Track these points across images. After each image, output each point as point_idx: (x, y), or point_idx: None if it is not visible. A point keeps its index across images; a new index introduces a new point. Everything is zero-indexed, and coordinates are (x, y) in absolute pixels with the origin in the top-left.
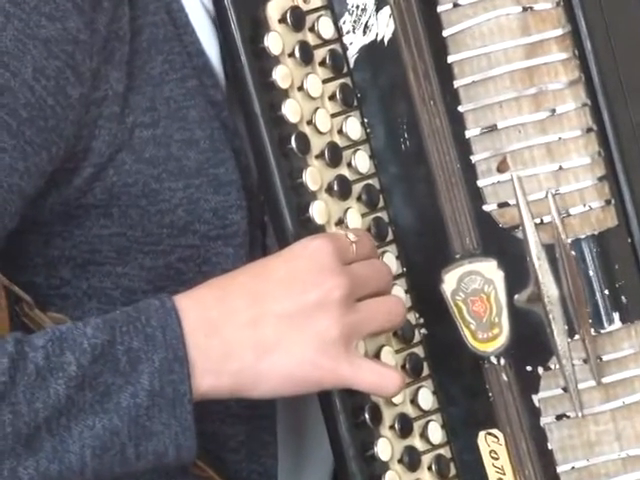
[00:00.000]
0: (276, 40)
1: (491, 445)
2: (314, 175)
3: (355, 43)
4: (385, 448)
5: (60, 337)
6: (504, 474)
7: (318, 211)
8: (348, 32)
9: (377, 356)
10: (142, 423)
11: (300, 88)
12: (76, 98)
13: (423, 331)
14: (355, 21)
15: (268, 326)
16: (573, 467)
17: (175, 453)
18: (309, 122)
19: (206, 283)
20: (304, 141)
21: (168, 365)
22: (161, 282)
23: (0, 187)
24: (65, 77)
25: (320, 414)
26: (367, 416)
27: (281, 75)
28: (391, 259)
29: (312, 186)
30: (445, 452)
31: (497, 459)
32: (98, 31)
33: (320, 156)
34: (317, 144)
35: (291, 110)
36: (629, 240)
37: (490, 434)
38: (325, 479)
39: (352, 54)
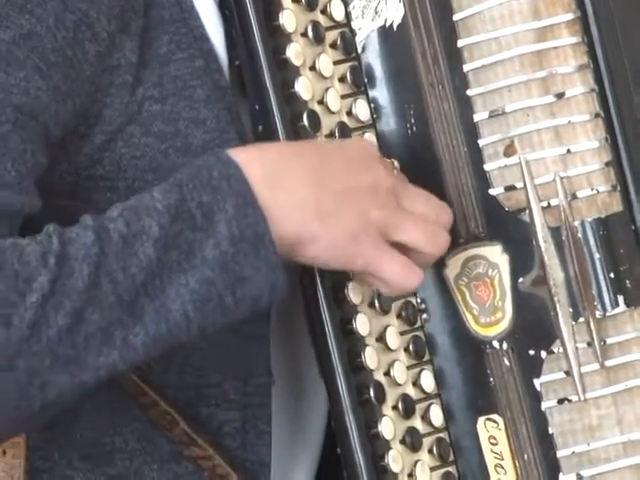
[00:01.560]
0: (290, 18)
1: (490, 431)
2: None
3: (364, 28)
4: (388, 427)
5: (132, 206)
6: (502, 459)
7: None
8: (357, 17)
9: (382, 336)
10: (232, 269)
11: (312, 67)
12: (93, 55)
13: (425, 316)
14: (364, 6)
15: (327, 191)
16: (573, 452)
17: (269, 293)
18: (320, 101)
19: (261, 145)
20: (315, 119)
21: (241, 210)
22: None
23: (36, 121)
24: (82, 31)
25: (312, 396)
26: (372, 394)
27: (295, 53)
28: None
29: None
30: (446, 436)
31: (496, 444)
32: None
33: (330, 135)
34: (327, 123)
35: (304, 87)
36: (632, 227)
37: (490, 420)
38: (313, 465)
39: (360, 39)
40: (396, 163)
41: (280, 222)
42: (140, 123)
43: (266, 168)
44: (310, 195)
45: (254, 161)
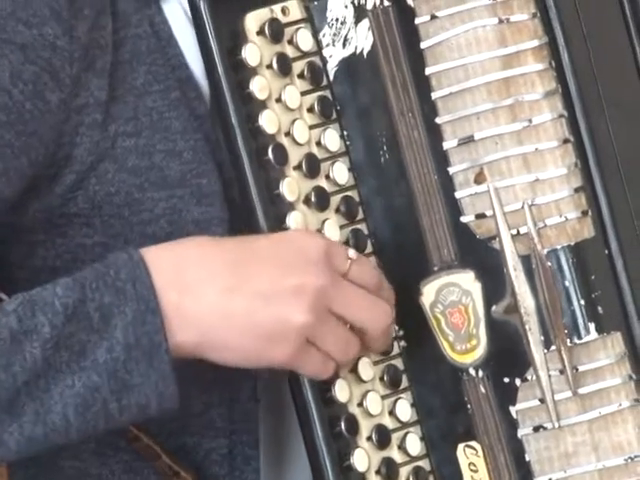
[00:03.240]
0: (253, 51)
1: (470, 457)
2: (291, 186)
3: (335, 56)
4: (362, 459)
5: (31, 300)
6: None
7: (295, 222)
8: (328, 45)
9: (355, 368)
10: (121, 377)
11: (278, 100)
12: (55, 103)
13: (402, 343)
14: (335, 34)
15: (241, 298)
16: (550, 479)
17: (157, 403)
18: (287, 133)
19: (189, 241)
20: (281, 152)
21: (141, 316)
22: None
23: None
24: (43, 82)
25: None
26: (343, 426)
27: (259, 86)
28: None
29: (289, 197)
30: (424, 464)
31: (476, 471)
32: (78, 38)
33: (298, 167)
34: (295, 155)
35: (268, 121)
36: (606, 251)
37: (469, 446)
38: None
39: (332, 67)
40: (352, 253)
41: (183, 330)
42: (114, 159)
43: (179, 271)
44: (223, 302)
45: (168, 263)
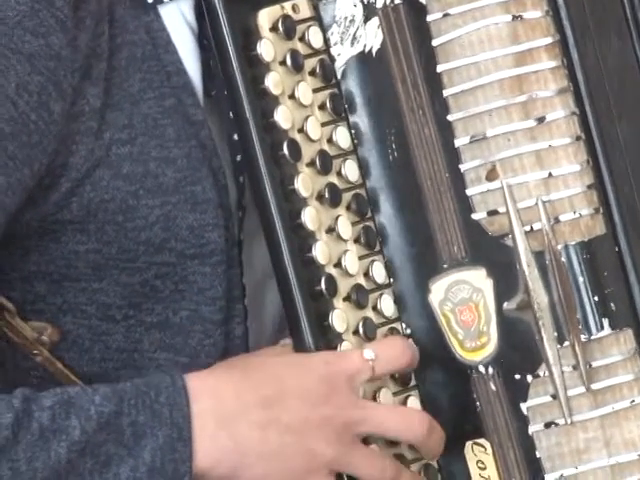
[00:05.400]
0: (268, 47)
1: (478, 455)
2: (306, 182)
3: (343, 54)
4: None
5: (68, 401)
6: None
7: (310, 217)
8: (335, 43)
9: None
10: None
11: (291, 96)
12: (59, 113)
13: (410, 341)
14: (343, 32)
15: (274, 433)
16: (562, 475)
17: None
18: (300, 130)
19: (226, 372)
20: (296, 148)
21: (172, 443)
22: (137, 298)
23: None
24: (48, 92)
25: None
26: None
27: (273, 82)
28: (379, 268)
29: (304, 193)
30: (433, 462)
31: (484, 469)
32: (79, 48)
33: (311, 164)
34: (308, 152)
35: (283, 116)
36: (616, 249)
37: (477, 444)
38: None
39: (339, 65)
40: (369, 354)
41: (214, 461)
42: (108, 166)
43: (217, 403)
44: (256, 438)
45: (207, 392)
